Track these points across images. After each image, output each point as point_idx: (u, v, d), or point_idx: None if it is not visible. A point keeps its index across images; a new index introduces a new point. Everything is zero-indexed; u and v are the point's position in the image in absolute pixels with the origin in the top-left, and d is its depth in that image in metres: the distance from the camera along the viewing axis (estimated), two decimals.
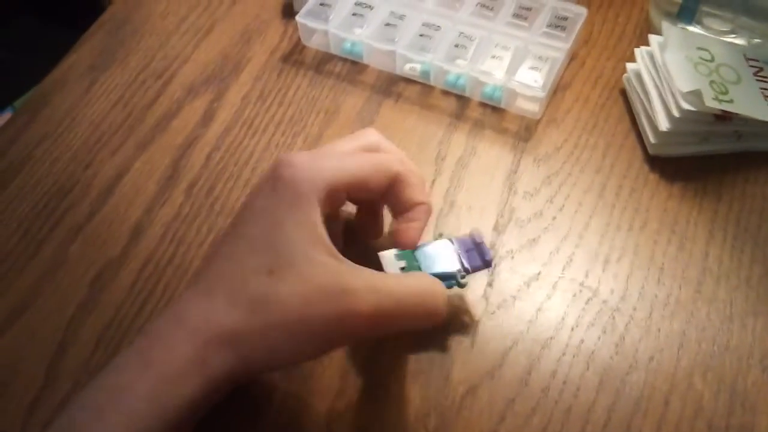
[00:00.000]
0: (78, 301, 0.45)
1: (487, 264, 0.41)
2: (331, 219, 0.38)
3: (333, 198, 0.37)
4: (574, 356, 0.42)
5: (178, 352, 0.33)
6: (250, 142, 0.53)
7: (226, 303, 0.34)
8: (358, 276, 0.34)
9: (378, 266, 0.39)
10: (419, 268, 0.40)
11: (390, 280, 0.35)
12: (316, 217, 0.36)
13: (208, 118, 0.55)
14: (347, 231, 0.44)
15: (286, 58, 0.59)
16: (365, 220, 0.45)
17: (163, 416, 0.32)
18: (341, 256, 0.35)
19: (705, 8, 0.57)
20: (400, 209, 0.41)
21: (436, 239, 0.42)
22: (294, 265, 0.34)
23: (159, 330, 0.34)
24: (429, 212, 0.41)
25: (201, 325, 0.33)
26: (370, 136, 0.41)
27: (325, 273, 0.34)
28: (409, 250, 0.40)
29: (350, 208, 0.45)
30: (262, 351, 0.34)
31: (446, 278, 0.40)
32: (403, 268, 0.39)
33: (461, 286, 0.40)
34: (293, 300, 0.33)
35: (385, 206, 0.44)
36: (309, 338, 0.34)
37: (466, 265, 0.41)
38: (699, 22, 0.58)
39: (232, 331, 0.33)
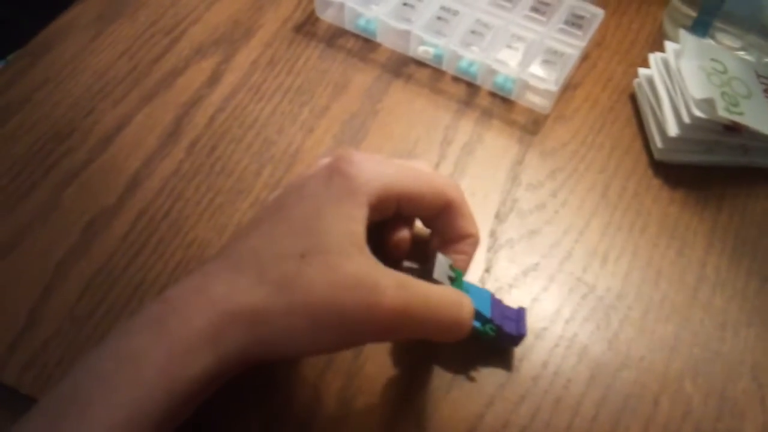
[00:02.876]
0: (68, 246, 0.44)
1: (516, 339, 0.41)
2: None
3: (383, 205, 0.37)
4: (566, 348, 0.42)
5: (193, 325, 0.32)
6: (255, 107, 0.52)
7: (253, 280, 0.33)
8: (389, 274, 0.34)
9: None
10: (461, 289, 0.39)
11: (420, 283, 0.35)
12: (361, 216, 0.35)
13: (214, 79, 0.54)
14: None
15: (298, 29, 0.58)
16: (398, 237, 0.43)
17: (171, 390, 0.30)
18: (375, 258, 0.35)
19: (718, 24, 0.57)
20: (449, 238, 0.41)
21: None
22: (328, 252, 0.33)
23: (177, 298, 0.33)
24: (477, 245, 0.41)
25: (222, 299, 0.32)
26: (421, 165, 0.41)
27: (356, 265, 0.33)
28: (460, 271, 0.40)
29: None
30: (281, 334, 0.32)
31: (479, 318, 0.39)
32: (451, 278, 0.39)
33: (487, 334, 0.39)
34: (321, 285, 0.32)
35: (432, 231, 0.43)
36: (331, 327, 0.33)
37: (499, 323, 0.40)
38: (711, 37, 0.58)
39: (253, 309, 0.32)
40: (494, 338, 0.39)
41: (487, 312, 0.39)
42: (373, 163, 0.37)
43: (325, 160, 0.38)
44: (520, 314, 0.41)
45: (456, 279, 0.39)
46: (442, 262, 0.39)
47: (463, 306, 0.36)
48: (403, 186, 0.38)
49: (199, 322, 0.31)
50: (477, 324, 0.39)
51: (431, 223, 0.42)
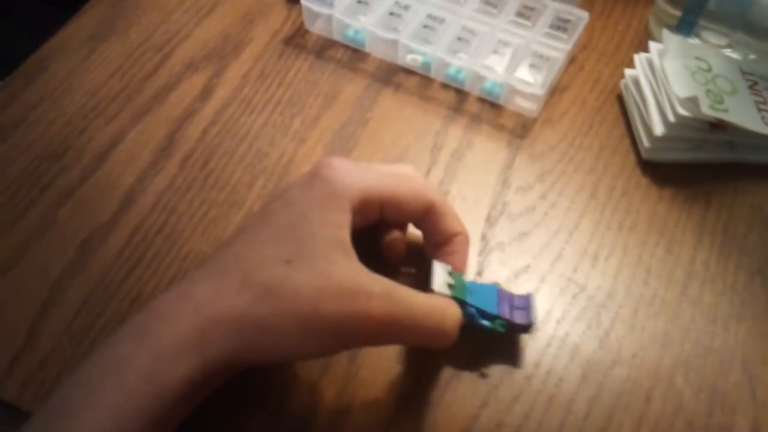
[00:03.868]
0: (64, 264, 0.44)
1: (526, 327, 0.41)
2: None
3: (366, 209, 0.38)
4: (558, 348, 0.43)
5: (177, 330, 0.32)
6: (247, 119, 0.53)
7: (238, 285, 0.33)
8: (375, 280, 0.35)
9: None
10: (463, 293, 0.39)
11: (406, 291, 0.35)
12: (344, 220, 0.36)
13: (206, 93, 0.55)
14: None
15: (288, 41, 0.59)
16: (390, 238, 0.43)
17: (157, 394, 0.31)
18: (361, 263, 0.35)
19: (703, 22, 0.58)
20: (438, 240, 0.41)
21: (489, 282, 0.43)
22: (313, 258, 0.34)
23: (162, 305, 0.33)
24: (467, 242, 0.42)
25: (206, 304, 0.33)
26: (406, 169, 0.42)
27: (344, 272, 0.34)
28: (459, 273, 0.41)
29: None
30: (268, 338, 0.33)
31: (487, 317, 0.40)
32: (450, 285, 0.39)
33: (497, 331, 0.40)
34: (308, 291, 0.33)
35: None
36: (318, 332, 0.33)
37: (508, 316, 0.41)
38: (697, 36, 0.58)
39: (240, 313, 0.33)
40: (504, 333, 0.40)
41: (494, 309, 0.40)
42: (354, 168, 0.38)
43: (308, 168, 0.39)
44: (528, 301, 0.42)
45: (456, 285, 0.39)
46: (438, 271, 0.39)
47: (447, 316, 0.37)
48: (384, 190, 0.39)
49: (184, 326, 0.32)
50: (486, 323, 0.40)
51: (421, 229, 0.43)
